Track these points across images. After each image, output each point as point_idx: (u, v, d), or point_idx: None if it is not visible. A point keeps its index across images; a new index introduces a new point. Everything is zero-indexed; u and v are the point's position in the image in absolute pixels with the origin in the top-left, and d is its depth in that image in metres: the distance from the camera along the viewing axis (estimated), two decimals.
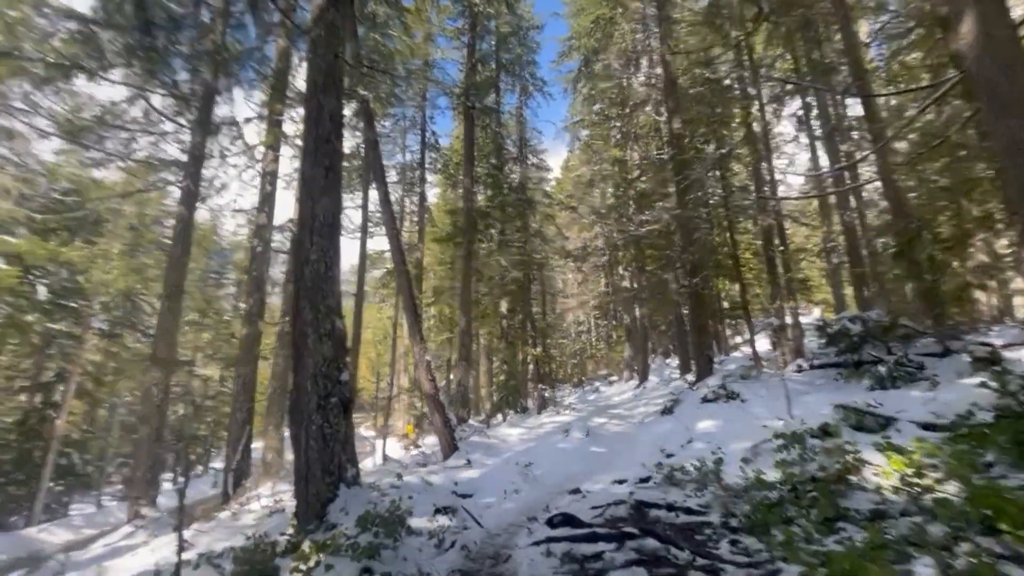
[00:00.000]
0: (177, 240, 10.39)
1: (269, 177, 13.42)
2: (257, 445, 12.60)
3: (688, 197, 13.27)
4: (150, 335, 26.04)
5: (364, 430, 30.22)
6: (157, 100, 10.63)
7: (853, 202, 14.17)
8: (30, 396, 23.85)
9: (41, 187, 15.63)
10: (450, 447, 9.59)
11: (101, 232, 19.04)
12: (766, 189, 14.49)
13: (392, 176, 24.51)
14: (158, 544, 7.67)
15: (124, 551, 7.85)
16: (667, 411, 10.49)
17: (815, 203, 16.94)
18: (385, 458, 12.86)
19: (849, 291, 16.19)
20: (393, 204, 25.03)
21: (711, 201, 13.78)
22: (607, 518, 4.19)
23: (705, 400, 9.21)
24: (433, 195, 27.40)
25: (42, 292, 21.33)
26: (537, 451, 8.56)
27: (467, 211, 14.87)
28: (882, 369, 7.83)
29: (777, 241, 13.46)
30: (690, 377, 15.33)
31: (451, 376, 18.09)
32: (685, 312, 19.27)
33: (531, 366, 19.03)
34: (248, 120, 13.06)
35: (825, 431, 4.78)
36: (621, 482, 5.40)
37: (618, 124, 21.78)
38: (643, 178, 19.29)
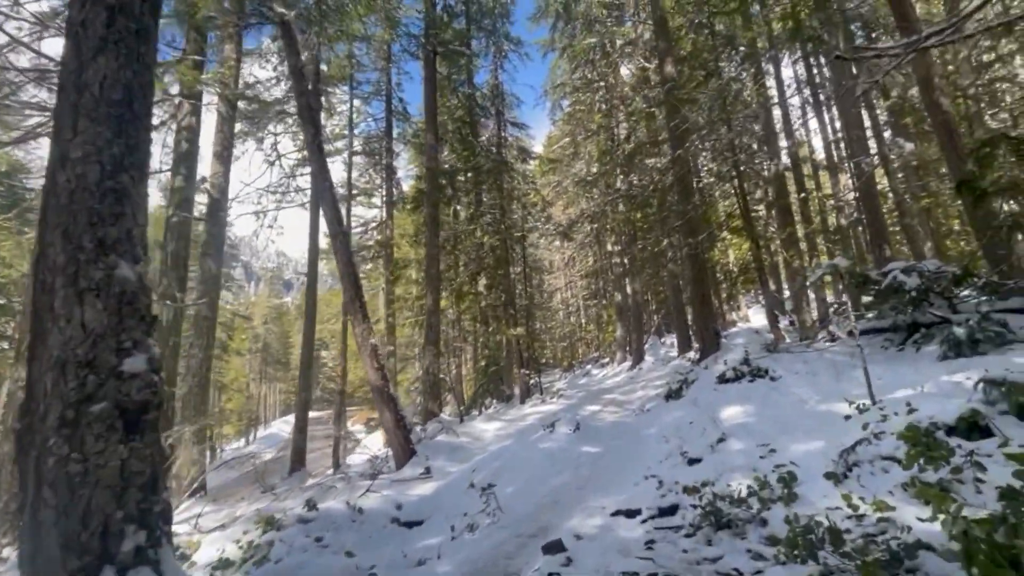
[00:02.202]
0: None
1: (187, 133, 11.10)
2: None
3: (685, 145, 11.27)
4: None
5: (352, 424, 28.11)
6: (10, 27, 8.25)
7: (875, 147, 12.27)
8: None
9: None
10: (405, 452, 7.58)
11: None
12: (778, 129, 12.54)
13: (356, 146, 22.22)
14: None
15: None
16: (674, 394, 8.58)
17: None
18: (337, 465, 10.84)
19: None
20: (360, 178, 22.77)
21: (712, 146, 11.80)
22: None
23: (723, 380, 7.29)
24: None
25: None
26: (513, 455, 6.58)
27: (429, 172, 12.69)
28: (959, 331, 5.93)
29: (794, 190, 11.58)
30: (692, 355, 13.49)
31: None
32: (682, 285, 17.46)
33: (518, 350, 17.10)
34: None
35: (972, 424, 2.85)
36: (631, 514, 3.46)
37: (602, 86, 19.67)
38: (632, 138, 17.28)
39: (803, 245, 12.79)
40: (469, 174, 14.90)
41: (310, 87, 9.63)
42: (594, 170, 20.02)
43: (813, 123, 16.40)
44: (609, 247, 22.20)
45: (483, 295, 17.12)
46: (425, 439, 9.25)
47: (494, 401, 16.86)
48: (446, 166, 16.03)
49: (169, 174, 10.98)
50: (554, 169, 25.44)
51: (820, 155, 17.08)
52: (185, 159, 10.99)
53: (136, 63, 3.15)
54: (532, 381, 13.60)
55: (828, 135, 15.37)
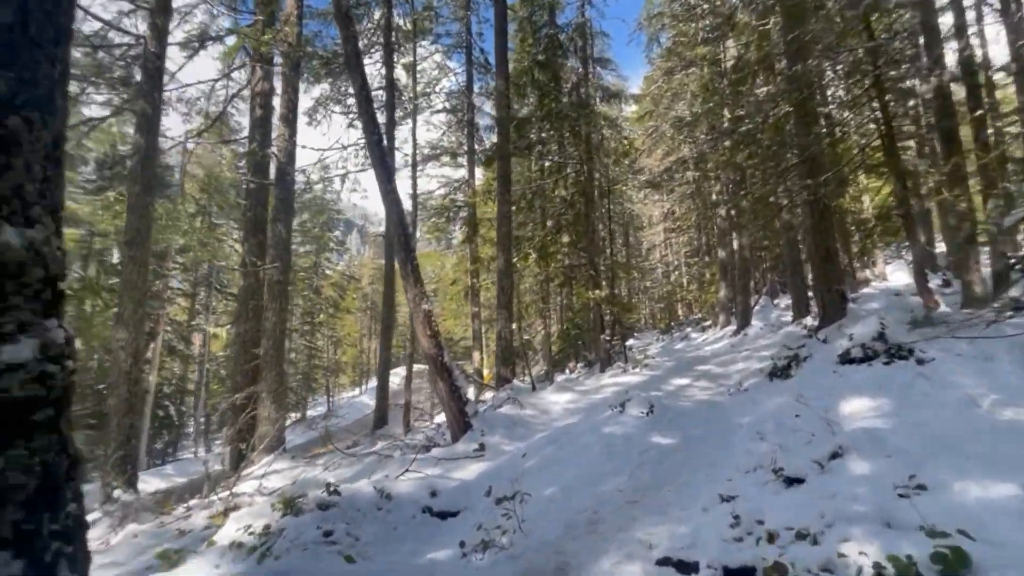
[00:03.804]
0: (134, 176, 8.56)
1: (261, 99, 11.20)
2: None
3: (807, 60, 8.91)
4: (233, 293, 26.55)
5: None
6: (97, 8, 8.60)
7: None
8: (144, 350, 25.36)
9: None
10: (460, 424, 7.07)
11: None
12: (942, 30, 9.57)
13: (438, 104, 21.69)
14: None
15: None
16: (780, 373, 7.04)
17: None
18: (408, 429, 10.83)
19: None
20: (443, 138, 22.35)
21: (844, 60, 9.22)
22: None
23: (847, 359, 5.66)
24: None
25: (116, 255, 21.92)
26: (570, 439, 5.71)
27: (499, 122, 11.65)
28: None
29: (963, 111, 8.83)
30: (810, 321, 11.37)
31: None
32: (800, 238, 14.83)
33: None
34: (220, 34, 10.78)
35: None
36: (684, 569, 2.43)
37: (707, 10, 16.75)
38: (740, 65, 14.55)
39: (973, 183, 9.86)
40: (546, 122, 13.57)
41: (384, 39, 8.99)
42: (696, 110, 17.51)
43: (991, 23, 12.40)
44: (713, 196, 19.69)
45: (566, 254, 16.05)
46: (489, 409, 8.71)
47: (579, 366, 16.03)
48: (522, 114, 14.84)
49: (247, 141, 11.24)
50: (650, 113, 22.95)
51: (1001, 61, 13.01)
52: (260, 124, 11.14)
53: None
54: (616, 348, 12.45)
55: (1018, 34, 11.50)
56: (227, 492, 6.72)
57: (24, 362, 2.20)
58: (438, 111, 21.14)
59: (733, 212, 16.67)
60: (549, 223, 15.43)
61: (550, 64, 13.97)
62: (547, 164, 17.04)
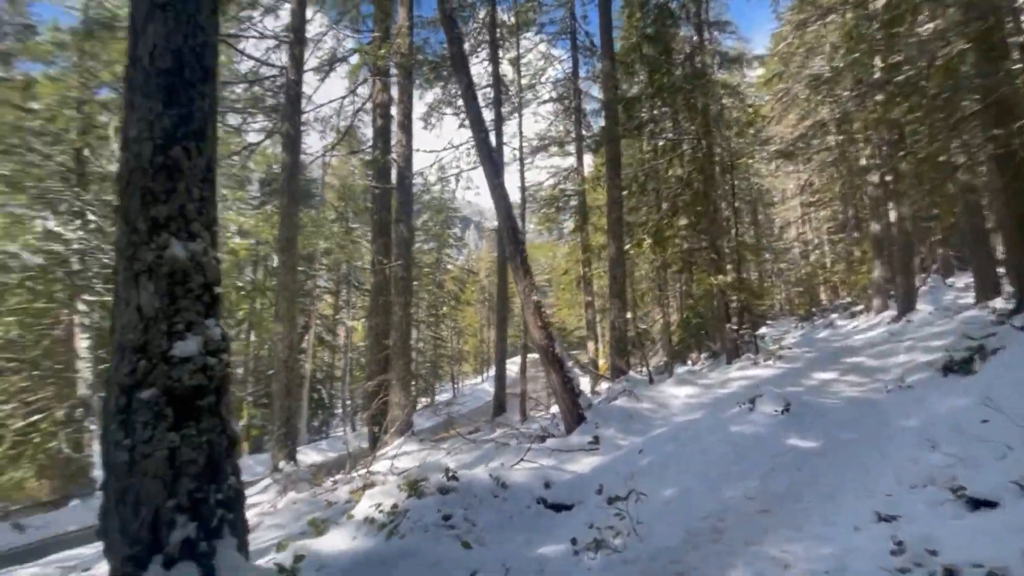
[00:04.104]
0: (283, 191, 9.83)
1: (380, 109, 12.13)
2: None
3: None
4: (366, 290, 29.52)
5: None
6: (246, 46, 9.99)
7: None
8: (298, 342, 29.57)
9: None
10: (573, 416, 7.00)
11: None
12: None
13: (544, 95, 21.63)
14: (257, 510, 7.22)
15: None
16: (958, 367, 5.85)
17: None
18: (524, 418, 11.02)
19: None
20: (551, 128, 22.26)
21: None
22: None
23: None
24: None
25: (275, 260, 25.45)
26: (692, 436, 5.32)
27: (605, 104, 11.21)
28: None
29: None
30: (1000, 304, 9.33)
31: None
32: (985, 203, 12.16)
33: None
34: (345, 55, 11.81)
35: None
36: None
37: None
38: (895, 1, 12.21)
39: None
40: (657, 99, 12.74)
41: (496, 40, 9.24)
42: (837, 64, 15.20)
43: None
44: (863, 161, 17.02)
45: (684, 238, 15.05)
46: (603, 401, 8.51)
47: (702, 358, 15.02)
48: (632, 93, 14.14)
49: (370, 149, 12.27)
50: (779, 75, 20.50)
51: None
52: (381, 133, 12.06)
53: (187, 25, 2.92)
54: (744, 337, 11.40)
55: None
56: (364, 470, 7.44)
57: (191, 356, 2.58)
58: (544, 101, 21.07)
59: (889, 178, 14.24)
60: (664, 206, 14.57)
61: (660, 36, 13.07)
62: (660, 144, 16.09)
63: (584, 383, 19.33)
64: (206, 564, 2.35)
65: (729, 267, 14.93)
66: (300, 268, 27.32)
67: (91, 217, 15.90)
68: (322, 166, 20.37)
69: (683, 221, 14.48)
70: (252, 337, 25.85)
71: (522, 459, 5.74)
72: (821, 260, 29.56)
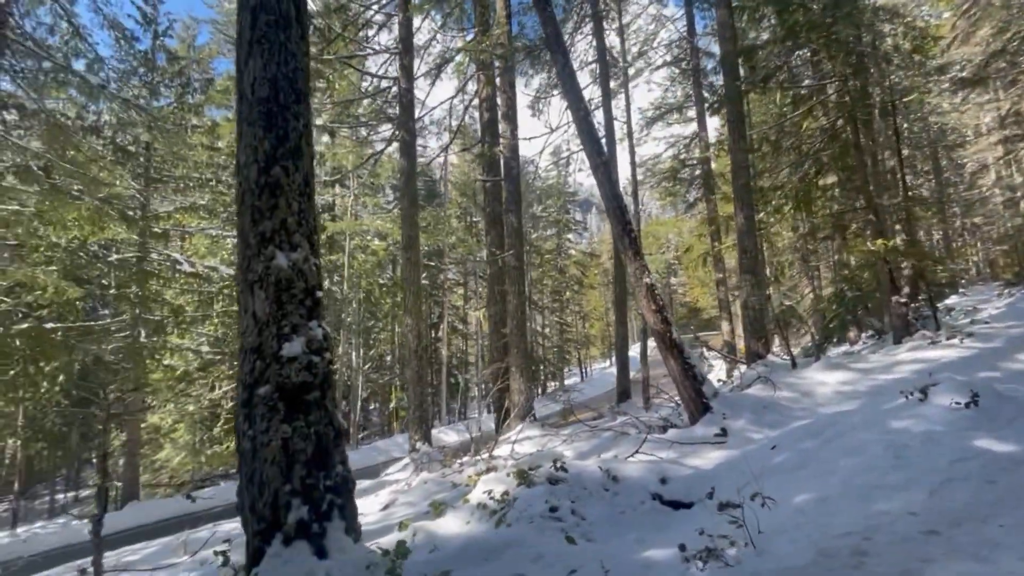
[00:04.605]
0: (403, 193, 10.56)
1: (486, 103, 12.37)
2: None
3: None
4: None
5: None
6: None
7: None
8: (428, 332, 32.24)
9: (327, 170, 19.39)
10: (697, 406, 6.46)
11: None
12: None
13: (656, 60, 20.17)
14: (393, 488, 7.94)
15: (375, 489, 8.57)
16: None
17: None
18: (647, 405, 10.46)
19: None
20: (667, 95, 20.73)
21: None
22: None
23: None
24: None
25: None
26: (840, 432, 4.54)
27: (723, 58, 9.97)
28: None
29: None
30: None
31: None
32: None
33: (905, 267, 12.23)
34: (451, 56, 12.19)
35: None
36: None
37: None
38: None
39: None
40: (789, 41, 11.00)
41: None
42: None
43: None
44: None
45: (833, 198, 12.96)
46: (736, 389, 7.74)
47: (862, 337, 12.91)
48: (760, 41, 12.44)
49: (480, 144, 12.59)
50: None
51: None
52: (488, 127, 12.30)
53: (279, 54, 3.20)
54: (918, 312, 9.47)
55: None
56: (487, 454, 7.75)
57: (296, 355, 2.84)
58: (658, 67, 19.70)
59: None
60: (806, 165, 12.66)
61: None
62: (802, 94, 13.94)
63: (720, 369, 17.88)
64: (318, 543, 2.60)
65: (899, 228, 12.53)
66: (431, 263, 29.39)
67: None
68: (442, 166, 21.57)
69: (831, 179, 12.45)
70: (396, 328, 28.58)
71: (638, 450, 5.46)
72: None
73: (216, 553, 3.05)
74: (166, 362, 17.01)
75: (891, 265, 9.23)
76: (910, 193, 11.60)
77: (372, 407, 34.78)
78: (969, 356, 6.72)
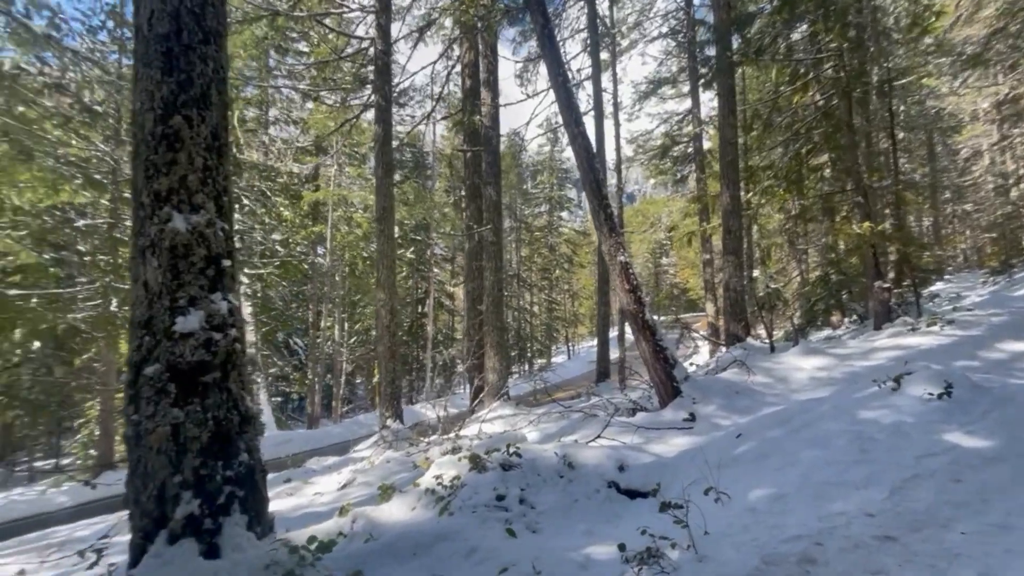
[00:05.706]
0: (378, 161, 10.09)
1: (468, 69, 11.80)
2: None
3: None
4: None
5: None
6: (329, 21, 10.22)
7: None
8: (413, 308, 31.95)
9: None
10: (667, 389, 6.25)
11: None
12: None
13: (652, 31, 19.47)
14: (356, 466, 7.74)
15: (343, 464, 8.37)
16: None
17: None
18: (623, 386, 10.30)
19: None
20: (661, 68, 20.08)
21: None
22: None
23: None
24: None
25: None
26: (806, 422, 4.33)
27: (715, 28, 9.46)
28: None
29: None
30: None
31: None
32: None
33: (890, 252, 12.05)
34: (435, 18, 11.54)
35: None
36: None
37: None
38: None
39: None
40: (784, 12, 10.49)
41: None
42: None
43: None
44: None
45: (823, 179, 12.66)
46: (710, 372, 7.55)
47: (845, 322, 12.81)
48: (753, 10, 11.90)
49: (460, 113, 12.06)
50: None
51: None
52: (470, 94, 11.77)
53: None
54: (901, 297, 9.30)
55: None
56: (454, 433, 7.55)
57: (192, 331, 2.50)
58: (653, 39, 19.02)
59: None
60: (799, 143, 12.29)
61: None
62: (799, 70, 13.45)
63: (703, 351, 17.79)
64: (209, 541, 2.33)
65: (888, 212, 12.28)
66: (418, 238, 28.82)
67: (245, 201, 18.30)
68: (429, 136, 20.89)
69: (823, 157, 12.11)
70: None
71: (599, 435, 5.25)
72: None
73: (83, 552, 2.73)
74: None
75: (877, 250, 9.00)
76: (902, 177, 11.30)
77: (359, 380, 34.70)
78: (948, 344, 6.55)
